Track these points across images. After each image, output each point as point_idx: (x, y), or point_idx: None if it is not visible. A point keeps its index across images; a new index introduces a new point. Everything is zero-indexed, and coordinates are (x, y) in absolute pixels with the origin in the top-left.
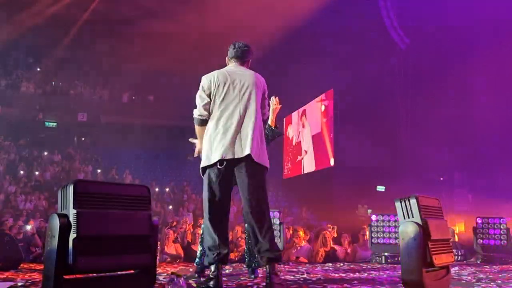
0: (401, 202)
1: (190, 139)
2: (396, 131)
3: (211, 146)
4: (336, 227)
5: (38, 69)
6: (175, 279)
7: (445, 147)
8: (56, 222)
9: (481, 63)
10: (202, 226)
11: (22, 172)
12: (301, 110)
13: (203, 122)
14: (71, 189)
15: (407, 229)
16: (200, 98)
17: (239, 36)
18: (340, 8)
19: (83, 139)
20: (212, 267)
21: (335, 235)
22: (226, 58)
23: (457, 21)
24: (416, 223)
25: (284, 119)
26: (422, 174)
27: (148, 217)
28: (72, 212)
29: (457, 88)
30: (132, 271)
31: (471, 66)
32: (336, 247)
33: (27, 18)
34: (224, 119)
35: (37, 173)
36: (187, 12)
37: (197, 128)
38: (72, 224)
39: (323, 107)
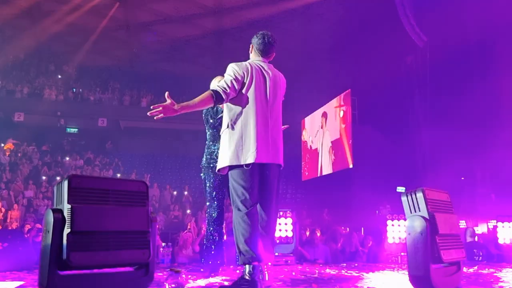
0: (407, 196)
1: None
2: (415, 130)
3: (252, 144)
4: (348, 228)
5: (59, 76)
6: (173, 275)
7: (466, 146)
8: (50, 217)
9: (503, 58)
10: (211, 225)
11: (44, 177)
12: (321, 112)
13: (219, 100)
14: (66, 184)
15: (414, 223)
16: (232, 80)
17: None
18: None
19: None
20: (250, 267)
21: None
22: (251, 47)
23: (476, 17)
24: (423, 217)
25: (302, 122)
26: (443, 173)
27: (146, 213)
28: (66, 207)
29: (478, 85)
30: (129, 267)
31: (492, 62)
32: (359, 247)
33: (47, 26)
34: (260, 119)
35: (58, 178)
36: (204, 16)
37: (205, 97)
38: (66, 219)
39: (341, 113)
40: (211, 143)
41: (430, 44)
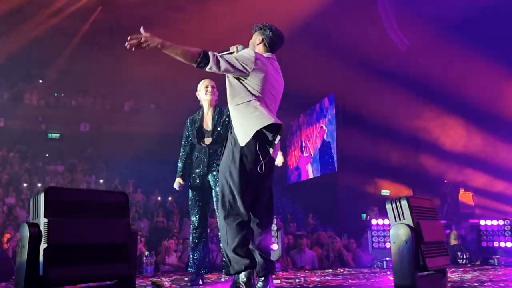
0: (392, 204)
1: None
2: (398, 134)
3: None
4: (332, 233)
5: (40, 81)
6: None
7: (448, 147)
8: (26, 231)
9: (483, 62)
10: (192, 232)
11: (25, 184)
12: (306, 115)
13: (203, 65)
14: (42, 196)
15: (398, 231)
16: (240, 62)
17: (239, 39)
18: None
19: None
20: (244, 275)
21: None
22: (260, 40)
23: (458, 20)
24: (408, 225)
25: (292, 122)
26: (427, 176)
27: (126, 225)
28: (43, 221)
29: (457, 87)
30: (109, 281)
31: (473, 66)
32: (344, 252)
33: (28, 30)
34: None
35: (39, 185)
36: (186, 20)
37: (192, 53)
38: (43, 233)
39: (326, 116)
40: (196, 152)
41: (412, 48)
